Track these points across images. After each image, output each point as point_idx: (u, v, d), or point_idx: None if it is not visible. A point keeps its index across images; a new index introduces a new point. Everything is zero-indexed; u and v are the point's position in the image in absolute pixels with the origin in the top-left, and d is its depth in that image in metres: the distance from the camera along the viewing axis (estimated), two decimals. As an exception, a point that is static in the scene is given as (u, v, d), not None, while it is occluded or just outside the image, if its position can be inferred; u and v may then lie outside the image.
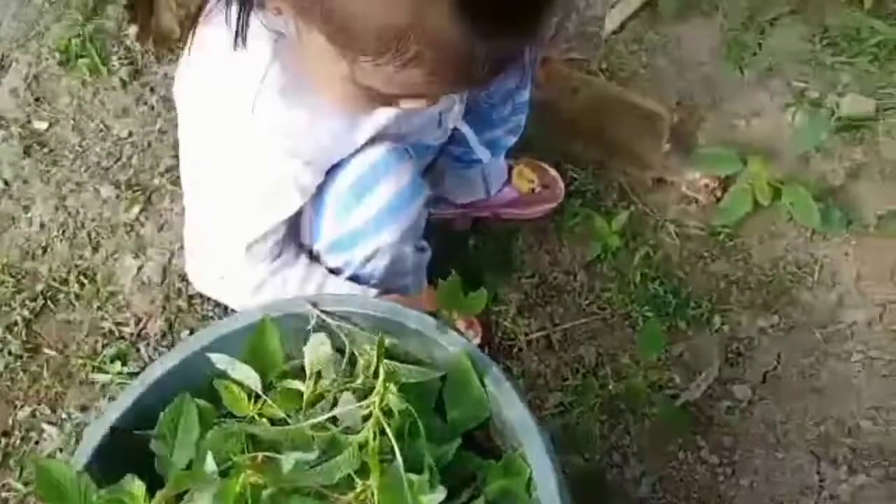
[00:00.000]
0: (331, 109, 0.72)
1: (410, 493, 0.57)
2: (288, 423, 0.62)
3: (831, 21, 1.35)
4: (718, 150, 1.18)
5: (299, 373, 0.70)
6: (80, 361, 1.14)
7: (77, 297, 1.22)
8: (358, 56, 0.56)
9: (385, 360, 0.64)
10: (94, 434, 0.66)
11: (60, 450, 1.08)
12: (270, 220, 0.79)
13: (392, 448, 0.58)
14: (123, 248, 1.27)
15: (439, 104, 0.82)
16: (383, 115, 0.78)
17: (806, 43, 1.34)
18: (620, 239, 1.18)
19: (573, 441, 1.02)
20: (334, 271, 0.87)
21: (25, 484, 1.05)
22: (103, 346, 1.16)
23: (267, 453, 0.59)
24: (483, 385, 0.65)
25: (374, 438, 0.59)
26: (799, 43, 1.34)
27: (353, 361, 0.69)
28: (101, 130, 1.41)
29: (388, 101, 0.65)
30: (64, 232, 1.28)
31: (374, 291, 0.88)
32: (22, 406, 1.12)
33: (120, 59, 1.49)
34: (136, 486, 0.59)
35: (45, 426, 1.10)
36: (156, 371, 0.69)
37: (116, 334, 1.17)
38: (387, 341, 0.64)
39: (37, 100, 1.42)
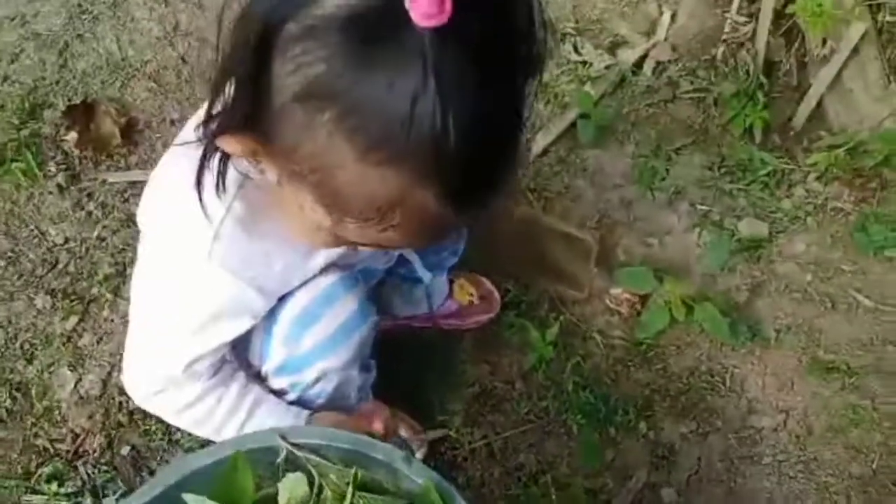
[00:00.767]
0: (286, 244, 0.76)
1: None
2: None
3: (727, 152, 1.53)
4: (636, 269, 1.31)
5: (270, 503, 0.73)
6: (13, 483, 1.09)
7: (9, 412, 1.18)
8: (343, 217, 0.59)
9: (357, 493, 0.68)
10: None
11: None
12: (215, 341, 0.81)
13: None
14: (60, 361, 1.24)
15: None
16: (333, 252, 0.82)
17: (706, 170, 1.51)
18: (553, 349, 1.27)
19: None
20: (280, 392, 0.90)
21: None
22: (38, 466, 1.12)
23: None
24: (449, 515, 0.70)
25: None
26: (701, 170, 1.52)
27: (320, 492, 0.73)
28: (36, 237, 1.40)
29: (357, 245, 0.70)
30: (-4, 343, 1.25)
31: (306, 414, 0.90)
32: (-54, 534, 1.06)
33: (57, 164, 1.49)
34: None
35: (-29, 556, 1.05)
36: (126, 511, 0.70)
37: (52, 452, 1.14)
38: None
39: (-33, 204, 1.40)
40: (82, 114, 1.57)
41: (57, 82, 1.63)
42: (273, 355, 0.87)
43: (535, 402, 1.23)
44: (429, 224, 0.57)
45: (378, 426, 0.90)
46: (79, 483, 1.11)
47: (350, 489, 0.69)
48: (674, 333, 1.30)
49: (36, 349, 1.25)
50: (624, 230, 1.45)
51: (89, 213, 1.44)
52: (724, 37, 1.60)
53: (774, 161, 1.50)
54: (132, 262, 0.82)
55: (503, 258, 1.33)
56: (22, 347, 1.25)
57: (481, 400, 1.23)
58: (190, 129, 0.72)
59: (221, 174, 0.67)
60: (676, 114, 1.60)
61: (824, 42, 1.47)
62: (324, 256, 0.82)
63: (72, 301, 1.31)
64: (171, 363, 0.82)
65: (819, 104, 1.54)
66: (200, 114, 0.71)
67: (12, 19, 1.71)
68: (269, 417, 0.89)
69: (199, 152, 0.65)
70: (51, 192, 1.45)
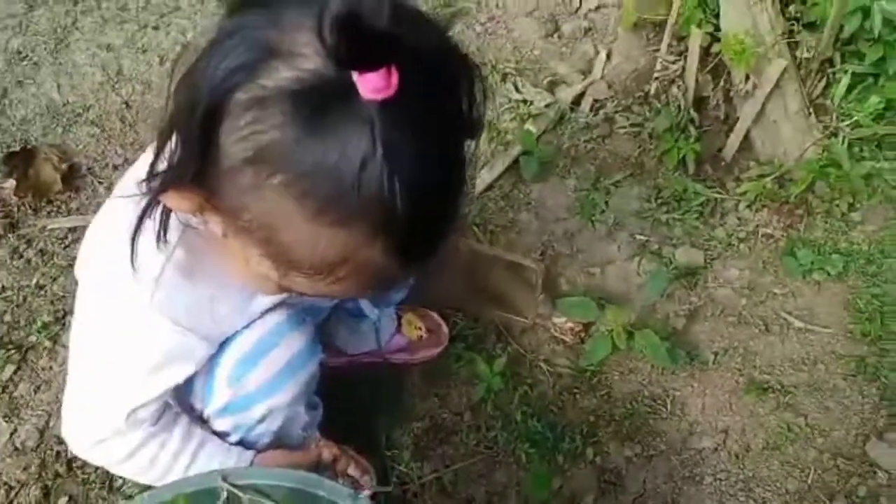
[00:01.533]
0: (229, 288, 0.76)
1: None
2: None
3: (663, 183, 1.59)
4: (579, 299, 1.34)
5: (212, 544, 0.72)
6: (-55, 540, 1.05)
7: (-59, 467, 1.14)
8: (290, 271, 0.60)
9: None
10: None
11: None
12: (158, 389, 0.81)
13: None
14: (-5, 411, 1.21)
15: None
16: (277, 297, 0.83)
17: (644, 202, 1.57)
18: (501, 379, 1.29)
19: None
20: (222, 434, 0.90)
21: None
22: (-29, 521, 1.08)
23: None
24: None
25: None
26: (638, 202, 1.57)
27: (265, 532, 0.73)
28: (-27, 285, 1.37)
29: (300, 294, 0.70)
30: (-71, 396, 1.21)
31: (250, 454, 0.90)
32: None
33: (-5, 211, 1.47)
34: None
35: None
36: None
37: (-14, 507, 1.10)
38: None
39: None
40: (22, 160, 1.55)
41: (-5, 129, 1.61)
42: (217, 396, 0.86)
43: (483, 434, 1.24)
44: (376, 277, 0.59)
45: (327, 454, 0.90)
46: (15, 538, 1.07)
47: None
48: (617, 360, 1.33)
49: (-29, 400, 1.21)
50: (567, 261, 1.49)
51: (28, 261, 1.42)
52: (656, 74, 1.67)
53: (707, 191, 1.57)
54: (72, 309, 0.82)
55: (449, 290, 1.35)
56: (-44, 398, 1.21)
57: (430, 433, 1.24)
58: (130, 181, 0.71)
59: (163, 227, 0.68)
60: (614, 148, 1.66)
61: (747, 78, 1.55)
62: (269, 300, 0.83)
63: (8, 350, 1.28)
64: (114, 412, 0.81)
65: (747, 136, 1.61)
66: (140, 165, 0.73)
67: (-50, 66, 1.69)
68: (214, 459, 0.88)
69: (140, 204, 0.65)
70: (-12, 240, 1.43)
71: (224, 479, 0.74)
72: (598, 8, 1.85)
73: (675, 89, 1.65)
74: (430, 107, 0.54)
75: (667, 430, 1.25)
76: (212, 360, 0.84)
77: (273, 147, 0.52)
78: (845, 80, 1.50)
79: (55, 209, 1.51)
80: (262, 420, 0.89)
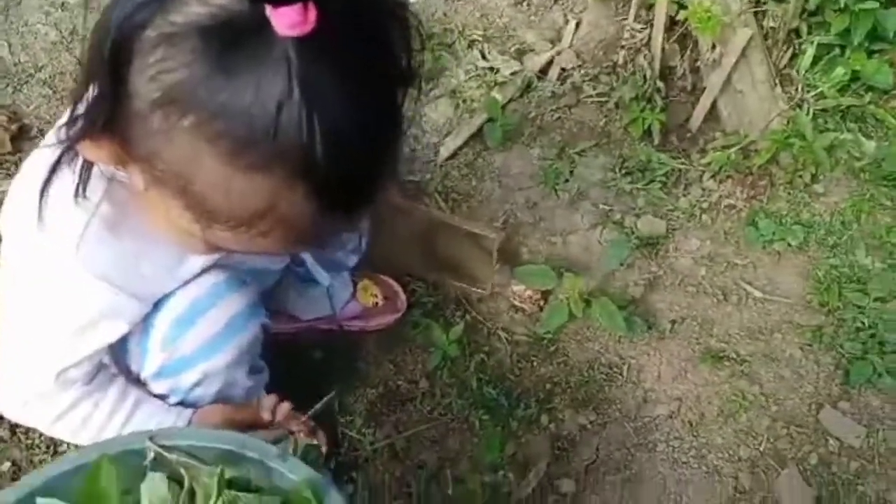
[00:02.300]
0: (157, 245, 0.73)
1: None
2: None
3: (628, 153, 1.58)
4: (537, 267, 1.33)
5: (136, 508, 0.70)
6: None
7: None
8: (211, 224, 0.57)
9: (225, 491, 0.66)
10: None
11: None
12: (88, 348, 0.78)
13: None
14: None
15: None
16: (209, 257, 0.80)
17: (608, 172, 1.55)
18: (458, 347, 1.27)
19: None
20: (161, 397, 0.88)
21: None
22: None
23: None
24: (323, 509, 0.69)
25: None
26: (603, 171, 1.56)
27: (192, 493, 0.71)
28: (-83, 245, 1.33)
29: (229, 251, 0.69)
30: None
31: (189, 412, 0.87)
32: None
33: (-58, 171, 1.42)
34: None
35: None
36: (-23, 521, 0.67)
37: (-77, 472, 1.08)
38: (228, 472, 0.66)
39: None
40: (-29, 120, 1.51)
41: (-57, 88, 1.56)
42: (151, 359, 0.84)
43: (438, 400, 1.23)
44: (302, 230, 0.57)
45: (266, 415, 0.88)
46: (-47, 501, 1.04)
47: (215, 489, 0.68)
48: (575, 328, 1.32)
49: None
50: (529, 230, 1.47)
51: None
52: (623, 43, 1.65)
53: (672, 161, 1.56)
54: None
55: (406, 257, 1.33)
56: None
57: (385, 400, 1.22)
58: (54, 133, 0.69)
59: (83, 180, 0.65)
60: (580, 117, 1.64)
61: (714, 47, 1.53)
62: (200, 262, 0.80)
63: (-47, 311, 1.24)
64: (42, 373, 0.78)
65: (713, 106, 1.60)
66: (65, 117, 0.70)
67: None
68: (152, 419, 0.86)
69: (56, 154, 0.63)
70: (-66, 200, 1.38)
71: (151, 439, 0.72)
72: (568, -24, 1.83)
73: (641, 59, 1.62)
74: (354, 46, 0.52)
75: (622, 398, 1.25)
76: (146, 321, 0.81)
77: (182, 86, 0.50)
78: (811, 51, 1.49)
79: (4, 171, 1.47)
80: (197, 384, 0.86)
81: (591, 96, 1.67)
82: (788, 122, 1.51)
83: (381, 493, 1.11)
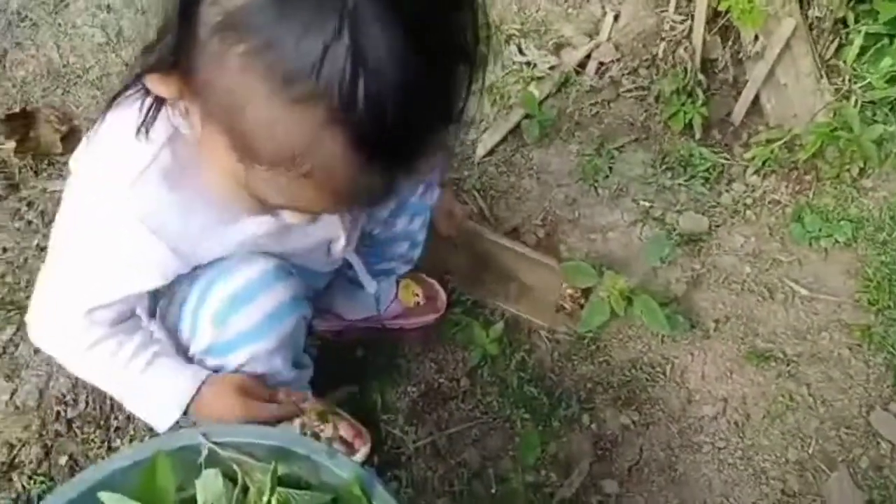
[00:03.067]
0: (208, 203, 0.74)
1: None
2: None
3: (668, 148, 1.56)
4: (577, 264, 1.32)
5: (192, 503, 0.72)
6: (-56, 496, 1.07)
7: (-60, 425, 1.15)
8: (254, 164, 0.57)
9: (278, 488, 0.68)
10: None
11: None
12: (121, 292, 0.79)
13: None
14: (-5, 371, 1.22)
15: (324, 230, 0.89)
16: (256, 226, 0.80)
17: (648, 167, 1.53)
18: (499, 345, 1.27)
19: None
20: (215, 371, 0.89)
21: None
22: (-30, 479, 1.10)
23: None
24: (371, 505, 0.70)
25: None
26: (643, 167, 1.54)
27: (245, 490, 0.72)
28: (-28, 247, 1.37)
29: (271, 208, 0.67)
30: (-72, 356, 1.22)
31: (206, 372, 0.87)
32: None
33: (-5, 172, 1.46)
34: None
35: None
36: (43, 512, 0.69)
37: (-15, 464, 1.11)
38: (279, 469, 0.68)
39: None
40: (22, 122, 1.54)
41: (-5, 91, 1.60)
42: (201, 335, 0.86)
43: (479, 399, 1.23)
44: (341, 179, 0.57)
45: (280, 394, 0.88)
46: (13, 495, 1.08)
47: (269, 484, 0.69)
48: (617, 326, 1.31)
49: (-30, 360, 1.22)
50: (568, 227, 1.46)
51: (29, 223, 1.42)
52: (663, 35, 1.62)
53: (714, 156, 1.53)
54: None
55: (466, 277, 1.33)
56: (-45, 359, 1.22)
57: (426, 398, 1.23)
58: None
59: (148, 120, 0.67)
60: (619, 112, 1.62)
61: (756, 38, 1.50)
62: (241, 233, 0.80)
63: (9, 311, 1.28)
64: (73, 307, 0.80)
65: (756, 99, 1.57)
66: None
67: (-51, 28, 1.68)
68: (169, 371, 0.86)
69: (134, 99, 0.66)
70: (-12, 202, 1.42)
71: (205, 435, 0.73)
72: (606, -32, 1.80)
73: (682, 51, 1.60)
74: (415, 3, 0.52)
75: (665, 398, 1.24)
76: (199, 299, 0.83)
77: (241, 12, 0.52)
78: (858, 41, 1.45)
79: (56, 171, 1.51)
80: (243, 365, 0.88)
81: (630, 90, 1.65)
82: (834, 115, 1.48)
83: (425, 491, 1.12)
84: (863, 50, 1.48)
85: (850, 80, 1.49)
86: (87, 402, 1.20)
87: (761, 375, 1.25)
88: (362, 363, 1.25)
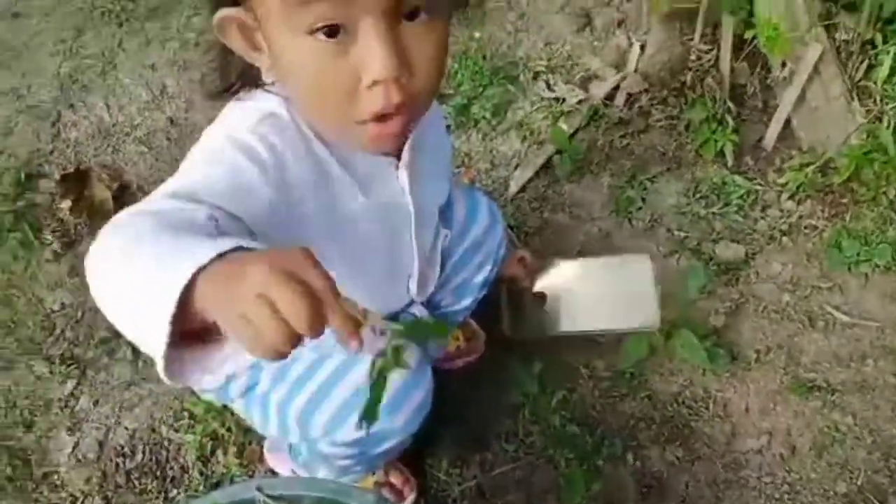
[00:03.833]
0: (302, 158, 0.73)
1: None
2: None
3: (701, 177, 1.57)
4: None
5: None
6: (16, 550, 1.13)
7: (10, 480, 1.21)
8: (269, 15, 0.62)
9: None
10: None
11: None
12: (211, 186, 0.65)
13: None
14: (58, 425, 1.28)
15: (399, 253, 0.91)
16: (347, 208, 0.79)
17: (682, 197, 1.54)
18: (539, 384, 1.29)
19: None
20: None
21: None
22: (39, 531, 1.15)
23: None
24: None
25: None
26: (676, 197, 1.55)
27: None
28: (34, 304, 1.44)
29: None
30: (-4, 412, 1.29)
31: (229, 244, 0.61)
32: None
33: (53, 231, 1.54)
34: None
35: None
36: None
37: (52, 517, 1.17)
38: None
39: (-34, 279, 1.44)
40: (76, 181, 1.63)
41: (51, 152, 1.69)
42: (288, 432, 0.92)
43: (522, 439, 1.25)
44: None
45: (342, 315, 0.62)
46: (79, 546, 1.14)
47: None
48: (658, 360, 1.32)
49: (35, 415, 1.29)
50: (604, 261, 1.47)
51: (85, 279, 1.49)
52: (691, 65, 1.64)
53: (747, 183, 1.53)
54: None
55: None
56: (21, 414, 1.29)
57: (470, 440, 1.25)
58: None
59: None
60: (650, 143, 1.63)
61: (784, 64, 1.50)
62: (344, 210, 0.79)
63: (69, 366, 1.35)
64: (161, 190, 0.65)
65: (787, 124, 1.57)
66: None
67: (6, 94, 1.78)
68: (195, 240, 0.56)
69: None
70: (47, 260, 1.50)
71: (259, 489, 0.77)
72: (630, -1, 1.82)
73: (710, 79, 1.61)
74: None
75: (709, 433, 1.24)
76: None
77: None
78: (888, 62, 1.44)
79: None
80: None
81: (659, 120, 1.66)
82: (868, 137, 1.47)
83: (472, 534, 1.14)
84: (893, 70, 1.47)
85: (881, 101, 1.47)
86: (143, 453, 1.26)
87: (805, 406, 1.24)
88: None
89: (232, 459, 1.21)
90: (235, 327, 0.46)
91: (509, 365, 1.32)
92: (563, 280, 1.34)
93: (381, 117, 0.66)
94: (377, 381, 0.56)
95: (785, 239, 1.45)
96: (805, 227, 1.46)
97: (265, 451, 1.18)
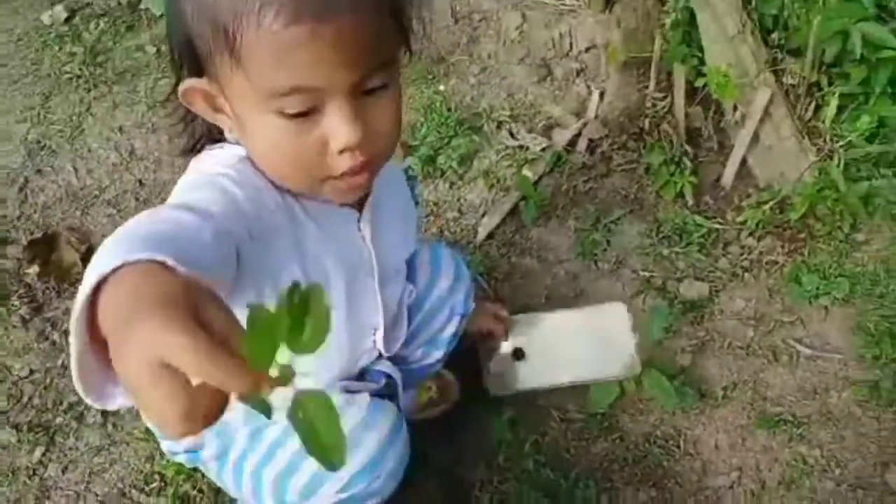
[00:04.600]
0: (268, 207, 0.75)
1: None
2: None
3: (663, 218, 1.61)
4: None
5: None
6: None
7: (-24, 554, 1.18)
8: (219, 68, 0.66)
9: None
10: None
11: None
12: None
13: None
14: (26, 494, 1.26)
15: (366, 312, 0.93)
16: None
17: (645, 238, 1.58)
18: (512, 428, 1.30)
19: None
20: None
21: None
22: None
23: None
24: None
25: None
26: (640, 238, 1.58)
27: None
28: (1, 371, 1.43)
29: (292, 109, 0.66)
30: (-38, 486, 1.26)
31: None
32: None
33: (20, 297, 1.54)
34: None
35: None
36: None
37: (19, 590, 1.14)
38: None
39: (-66, 349, 1.43)
40: (44, 245, 1.63)
41: (18, 217, 1.69)
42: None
43: (497, 486, 1.25)
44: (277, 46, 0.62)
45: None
46: None
47: None
48: (628, 401, 1.33)
49: (2, 485, 1.26)
50: (571, 303, 1.50)
51: (53, 343, 1.48)
52: (647, 111, 1.69)
53: (707, 222, 1.58)
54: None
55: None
56: (-12, 485, 1.26)
57: (445, 489, 1.25)
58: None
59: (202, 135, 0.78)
60: (612, 186, 1.68)
61: (735, 108, 1.56)
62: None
63: (36, 433, 1.33)
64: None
65: (744, 163, 1.62)
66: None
67: (-27, 161, 1.79)
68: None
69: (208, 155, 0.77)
70: (14, 326, 1.49)
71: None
72: (588, 49, 1.89)
73: (665, 124, 1.67)
74: None
75: (681, 471, 1.25)
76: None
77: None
78: (834, 102, 1.50)
79: (77, 290, 1.58)
80: None
81: (620, 164, 1.71)
82: (820, 174, 1.52)
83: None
84: (840, 110, 1.53)
85: (831, 140, 1.54)
86: (115, 519, 1.23)
87: (773, 441, 1.26)
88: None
89: (204, 522, 1.20)
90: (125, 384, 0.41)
91: (482, 412, 1.32)
92: (540, 334, 1.38)
93: (347, 173, 0.71)
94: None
95: (747, 275, 1.49)
96: (766, 263, 1.50)
97: (238, 512, 1.17)
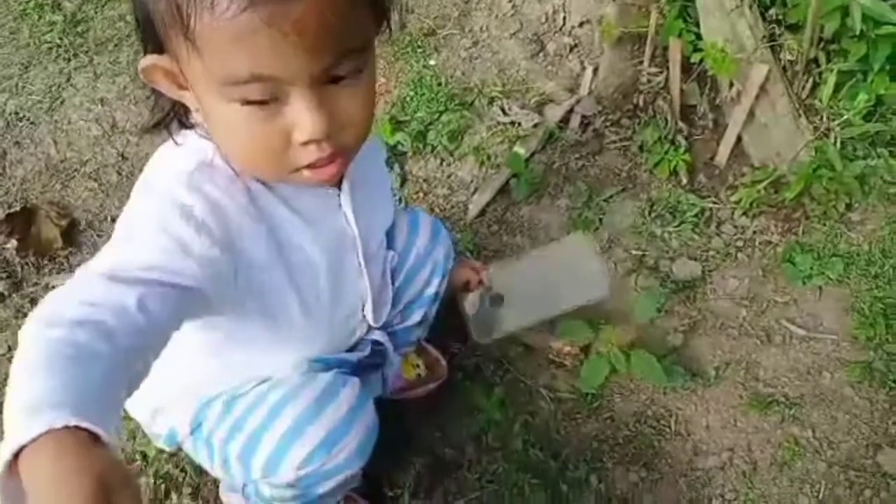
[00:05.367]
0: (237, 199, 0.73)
1: None
2: None
3: (656, 196, 1.58)
4: (573, 321, 1.33)
5: None
6: None
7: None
8: (174, 46, 0.62)
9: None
10: None
11: None
12: (146, 259, 0.64)
13: None
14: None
15: (353, 292, 0.91)
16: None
17: (638, 217, 1.55)
18: (501, 408, 1.28)
19: None
20: None
21: None
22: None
23: None
24: None
25: None
26: (632, 216, 1.56)
27: None
28: (-22, 348, 1.39)
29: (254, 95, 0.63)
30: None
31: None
32: None
33: (-2, 272, 1.49)
34: None
35: None
36: None
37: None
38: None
39: None
40: (22, 220, 1.59)
41: (-4, 191, 1.65)
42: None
43: (485, 467, 1.23)
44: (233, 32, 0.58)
45: None
46: None
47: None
48: (619, 380, 1.32)
49: (-21, 464, 1.23)
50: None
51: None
52: (641, 87, 1.66)
53: (701, 201, 1.55)
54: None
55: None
56: (-35, 464, 1.23)
57: (432, 469, 1.23)
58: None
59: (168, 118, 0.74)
60: (605, 164, 1.65)
61: (732, 84, 1.53)
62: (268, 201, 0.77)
63: (15, 410, 1.30)
64: (97, 264, 0.64)
65: (738, 142, 1.60)
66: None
67: (-51, 133, 1.74)
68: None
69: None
70: (-8, 302, 1.45)
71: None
72: (582, 24, 1.85)
73: (660, 101, 1.64)
74: None
75: (672, 452, 1.23)
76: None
77: None
78: (832, 79, 1.48)
79: (57, 266, 1.54)
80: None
81: (613, 142, 1.68)
82: (816, 153, 1.50)
83: (436, 567, 1.11)
84: (837, 87, 1.51)
85: (828, 118, 1.51)
86: (96, 498, 1.21)
87: (765, 421, 1.25)
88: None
89: (187, 501, 1.17)
90: None
91: (471, 391, 1.30)
92: (514, 278, 1.37)
93: (314, 164, 0.68)
94: None
95: (740, 255, 1.47)
96: (759, 243, 1.48)
97: (220, 492, 1.15)
